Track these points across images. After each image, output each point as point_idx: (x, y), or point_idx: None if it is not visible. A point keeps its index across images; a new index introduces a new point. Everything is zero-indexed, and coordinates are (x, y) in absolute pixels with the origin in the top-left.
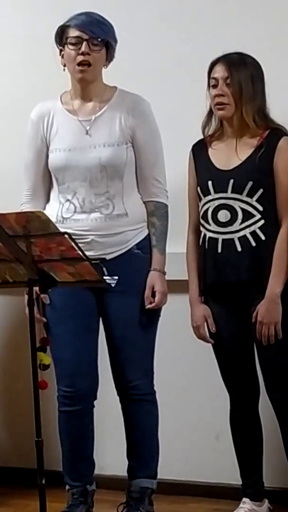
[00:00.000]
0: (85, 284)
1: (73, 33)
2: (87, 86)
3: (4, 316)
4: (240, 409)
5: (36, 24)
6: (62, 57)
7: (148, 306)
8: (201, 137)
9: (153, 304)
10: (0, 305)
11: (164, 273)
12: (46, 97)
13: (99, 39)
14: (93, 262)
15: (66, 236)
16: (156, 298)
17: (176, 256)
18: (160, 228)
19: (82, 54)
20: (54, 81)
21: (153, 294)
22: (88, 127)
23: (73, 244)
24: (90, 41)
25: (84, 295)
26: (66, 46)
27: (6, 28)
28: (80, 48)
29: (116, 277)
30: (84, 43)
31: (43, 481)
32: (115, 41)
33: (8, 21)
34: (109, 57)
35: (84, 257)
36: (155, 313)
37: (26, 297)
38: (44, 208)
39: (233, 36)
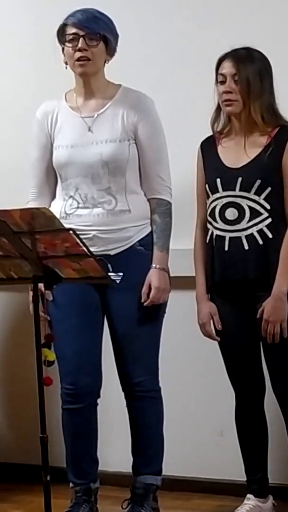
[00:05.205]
0: (90, 281)
1: (70, 30)
2: (89, 80)
3: (8, 312)
4: (245, 406)
5: (40, 21)
6: (64, 55)
7: (145, 304)
8: (208, 133)
9: (148, 301)
10: (5, 301)
11: (165, 270)
12: (52, 95)
13: (96, 34)
14: (98, 258)
15: (71, 232)
16: (151, 294)
17: (183, 252)
18: (161, 225)
19: (79, 50)
20: (59, 80)
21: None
22: (90, 124)
23: (78, 240)
24: (87, 36)
25: (87, 292)
26: (65, 43)
27: (9, 26)
28: (77, 45)
29: (121, 274)
30: (81, 40)
31: (48, 478)
32: (114, 35)
33: (11, 19)
34: (110, 51)
35: (89, 254)
36: (158, 309)
37: (31, 293)
38: (50, 206)
39: (239, 30)
